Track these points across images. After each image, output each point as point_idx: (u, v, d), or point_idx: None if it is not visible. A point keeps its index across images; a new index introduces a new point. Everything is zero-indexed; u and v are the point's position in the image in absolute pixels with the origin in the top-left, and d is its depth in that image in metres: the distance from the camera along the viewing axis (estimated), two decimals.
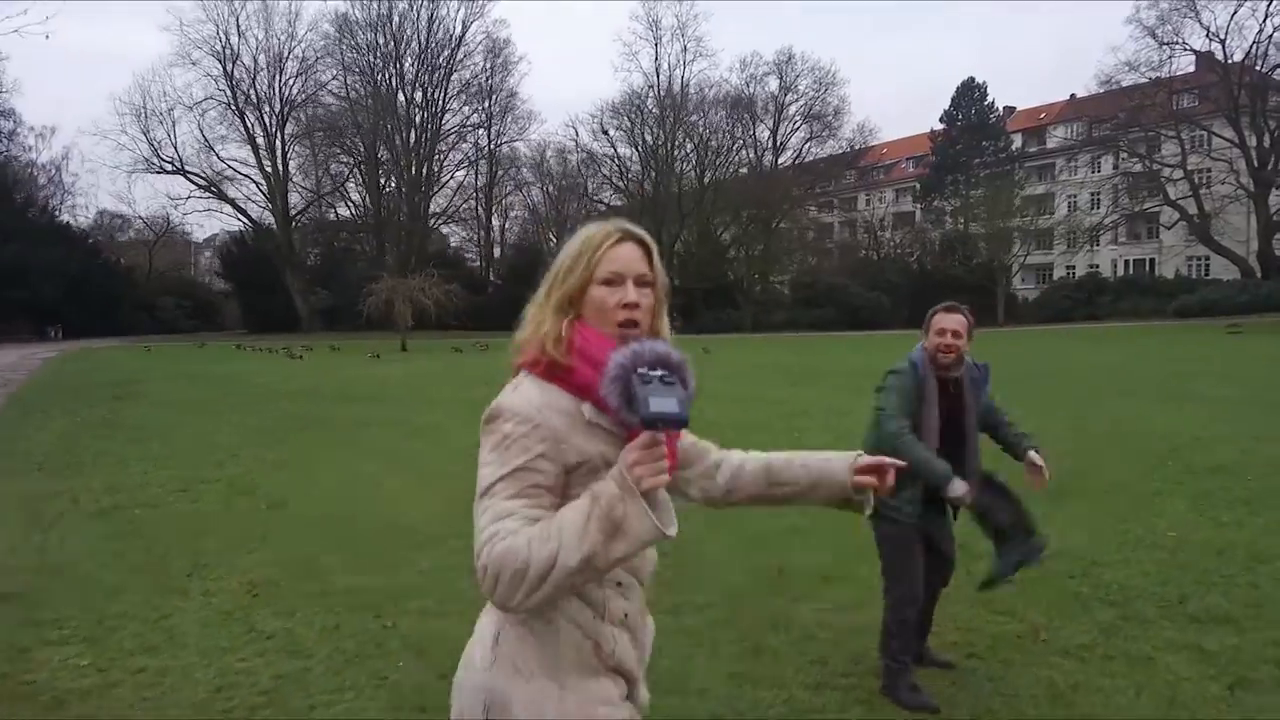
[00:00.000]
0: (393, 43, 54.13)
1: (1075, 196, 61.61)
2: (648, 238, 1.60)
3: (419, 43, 54.44)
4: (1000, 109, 64.22)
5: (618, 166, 56.33)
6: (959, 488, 3.32)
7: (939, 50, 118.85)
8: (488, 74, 57.44)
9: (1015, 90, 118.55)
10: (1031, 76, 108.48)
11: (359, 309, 37.03)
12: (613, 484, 1.39)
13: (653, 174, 56.59)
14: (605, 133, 55.33)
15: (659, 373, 1.41)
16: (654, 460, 1.39)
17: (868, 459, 1.74)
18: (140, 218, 58.52)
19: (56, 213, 54.44)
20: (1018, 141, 65.93)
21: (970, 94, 63.61)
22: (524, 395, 1.51)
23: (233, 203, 55.31)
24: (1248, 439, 9.17)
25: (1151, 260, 58.95)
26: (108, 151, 55.95)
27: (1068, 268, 62.31)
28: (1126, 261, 60.60)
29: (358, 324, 40.85)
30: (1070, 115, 60.96)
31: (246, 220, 56.25)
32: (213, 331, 57.33)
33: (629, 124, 55.78)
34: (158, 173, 53.76)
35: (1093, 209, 58.34)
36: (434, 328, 37.80)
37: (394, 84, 55.05)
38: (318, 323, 52.01)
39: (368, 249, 57.93)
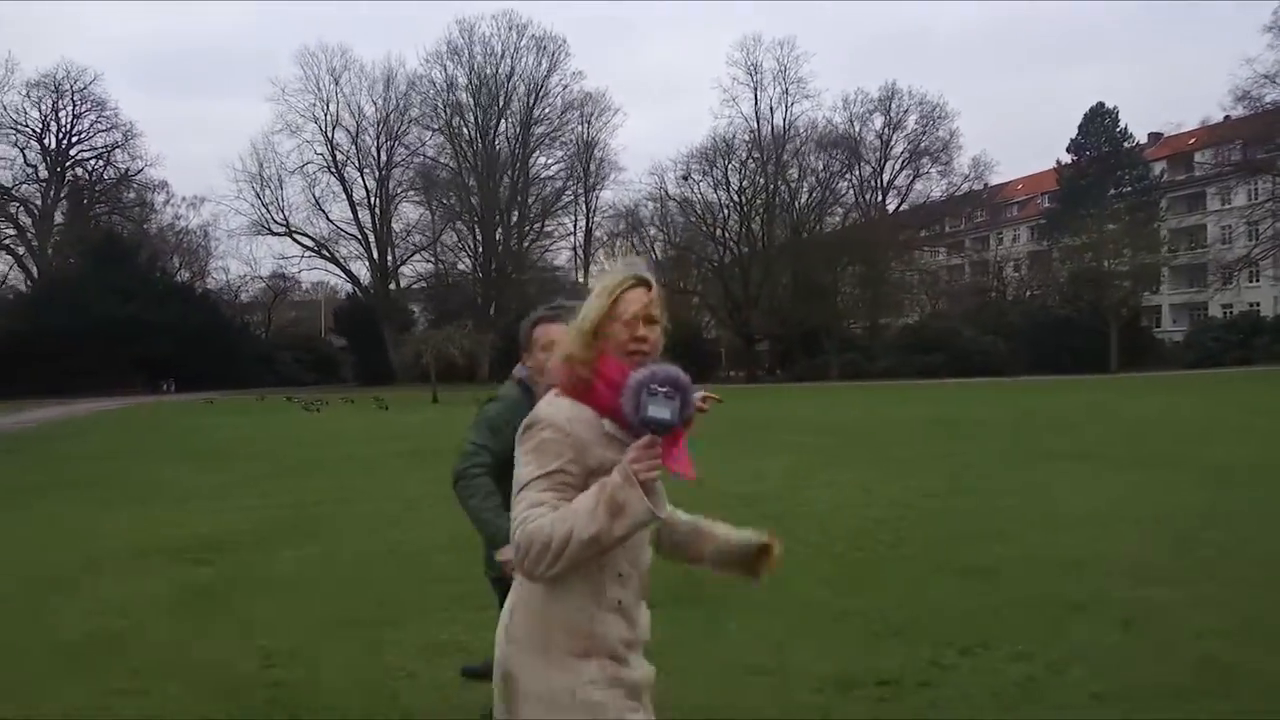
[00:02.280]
0: (485, 97, 55.18)
1: (1231, 227, 55.14)
2: (654, 281, 1.88)
3: (516, 98, 55.42)
4: (1134, 134, 58.58)
5: (710, 214, 54.70)
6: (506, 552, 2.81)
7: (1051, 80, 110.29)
8: (584, 128, 57.76)
9: (1137, 114, 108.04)
10: (1157, 99, 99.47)
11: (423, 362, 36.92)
12: (617, 475, 1.69)
13: (741, 220, 54.67)
14: (685, 178, 54.00)
15: (665, 389, 1.70)
16: (650, 458, 1.69)
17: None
18: (260, 277, 61.54)
19: (176, 274, 57.94)
20: (1158, 169, 60.00)
21: (1100, 120, 58.55)
22: (559, 408, 1.81)
23: (336, 261, 57.48)
24: None
25: None
26: (225, 216, 59.03)
27: (1223, 306, 55.80)
28: None
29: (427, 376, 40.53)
30: (1217, 139, 54.88)
31: (348, 278, 58.44)
32: (331, 385, 59.01)
33: (719, 169, 54.30)
34: (268, 234, 56.49)
35: (1252, 240, 52.02)
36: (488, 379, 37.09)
37: (487, 138, 55.91)
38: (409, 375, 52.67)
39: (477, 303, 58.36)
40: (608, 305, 1.83)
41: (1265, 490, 8.41)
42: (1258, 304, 53.99)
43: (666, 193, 54.87)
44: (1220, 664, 3.85)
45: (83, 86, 54.20)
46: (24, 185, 54.96)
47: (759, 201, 55.26)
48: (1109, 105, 58.79)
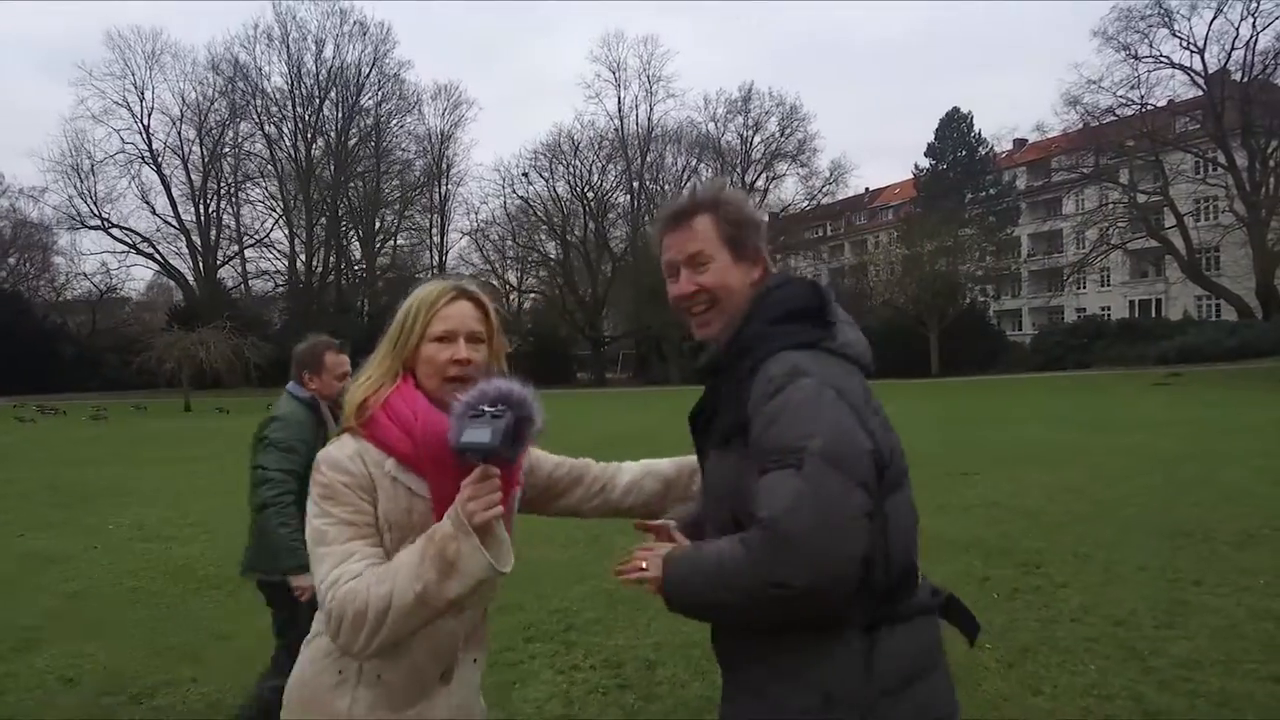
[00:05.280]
0: (308, 86, 52.33)
1: (1077, 233, 55.79)
2: (483, 295, 1.71)
3: (335, 87, 52.60)
4: (989, 140, 58.81)
5: (559, 212, 52.79)
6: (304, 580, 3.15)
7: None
8: (439, 121, 55.31)
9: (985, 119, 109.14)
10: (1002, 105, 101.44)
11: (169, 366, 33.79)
12: (447, 522, 1.47)
13: (593, 219, 52.98)
14: (525, 175, 52.07)
15: (492, 409, 1.47)
16: (487, 494, 1.46)
17: None
18: (84, 274, 57.30)
19: None
20: (1016, 175, 60.46)
21: (955, 125, 58.72)
22: (342, 446, 1.61)
23: (157, 259, 53.81)
24: None
25: (1159, 301, 52.62)
26: (34, 207, 54.85)
27: (1078, 310, 56.50)
28: (1132, 302, 54.36)
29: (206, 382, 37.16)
30: (1071, 146, 55.43)
31: (168, 275, 54.72)
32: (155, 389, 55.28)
33: (564, 165, 52.49)
34: (81, 228, 52.58)
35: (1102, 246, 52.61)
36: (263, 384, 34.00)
37: (309, 129, 53.02)
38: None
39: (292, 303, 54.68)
40: (418, 323, 1.65)
41: None
42: (1108, 308, 54.78)
43: (514, 190, 52.86)
44: None
45: None
46: None
47: (615, 200, 53.77)
48: (963, 110, 58.86)
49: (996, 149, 59.23)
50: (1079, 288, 54.05)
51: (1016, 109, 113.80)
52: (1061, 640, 4.75)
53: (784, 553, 1.38)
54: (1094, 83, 40.03)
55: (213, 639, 5.23)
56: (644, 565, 1.57)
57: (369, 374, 1.65)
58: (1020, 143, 61.16)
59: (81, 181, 51.75)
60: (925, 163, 60.51)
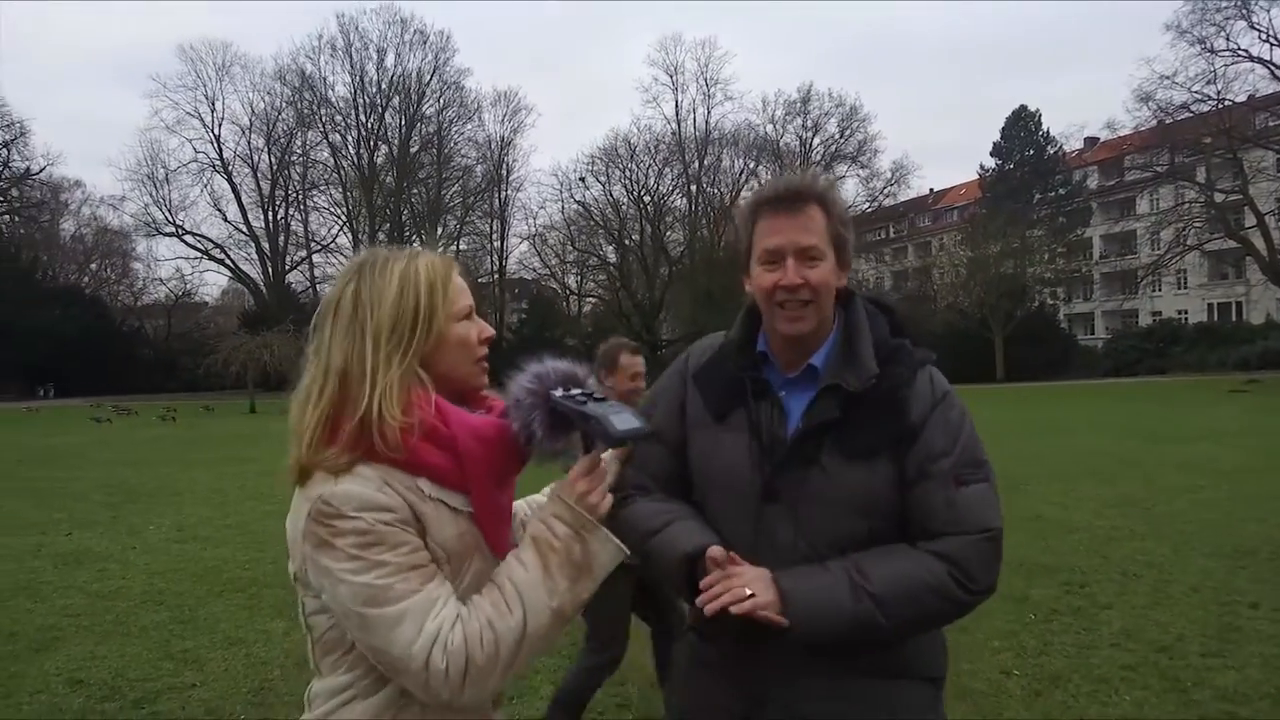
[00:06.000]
0: (370, 95, 53.32)
1: (1154, 235, 53.71)
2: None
3: (399, 95, 53.48)
4: (1057, 139, 57.05)
5: (615, 213, 52.82)
6: None
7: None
8: (498, 128, 55.94)
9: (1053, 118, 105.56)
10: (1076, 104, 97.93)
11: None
12: (559, 523, 1.35)
13: (650, 224, 52.87)
14: (582, 180, 52.15)
15: (576, 391, 1.37)
16: (601, 483, 1.38)
17: None
18: (159, 279, 59.34)
19: (49, 273, 55.56)
20: (1087, 174, 58.55)
21: (1023, 124, 57.14)
22: (360, 482, 1.31)
23: (228, 265, 55.42)
24: None
25: (1239, 304, 50.38)
26: (113, 215, 57.01)
27: (1153, 314, 54.52)
28: (1210, 305, 52.17)
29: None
30: (1145, 144, 53.34)
31: (239, 280, 56.25)
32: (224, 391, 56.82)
33: (619, 170, 52.50)
34: (157, 235, 54.43)
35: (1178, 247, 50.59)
36: None
37: (372, 136, 53.95)
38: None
39: None
40: (442, 303, 1.39)
41: None
42: (1185, 312, 52.69)
43: (571, 195, 53.10)
44: None
45: None
46: None
47: (671, 204, 53.62)
48: (1031, 108, 57.26)
49: (1066, 148, 57.44)
50: (1154, 290, 52.18)
51: (1086, 107, 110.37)
52: (1097, 667, 4.44)
53: (999, 562, 1.55)
54: (1167, 78, 38.56)
55: (223, 644, 5.22)
56: (749, 592, 1.46)
57: (380, 388, 1.33)
58: (1091, 141, 59.21)
59: (157, 190, 53.68)
60: (991, 162, 59.07)
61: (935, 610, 1.52)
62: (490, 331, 1.48)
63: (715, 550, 1.52)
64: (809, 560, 1.54)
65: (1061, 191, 56.62)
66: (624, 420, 1.33)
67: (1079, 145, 58.57)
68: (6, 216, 54.98)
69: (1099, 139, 57.80)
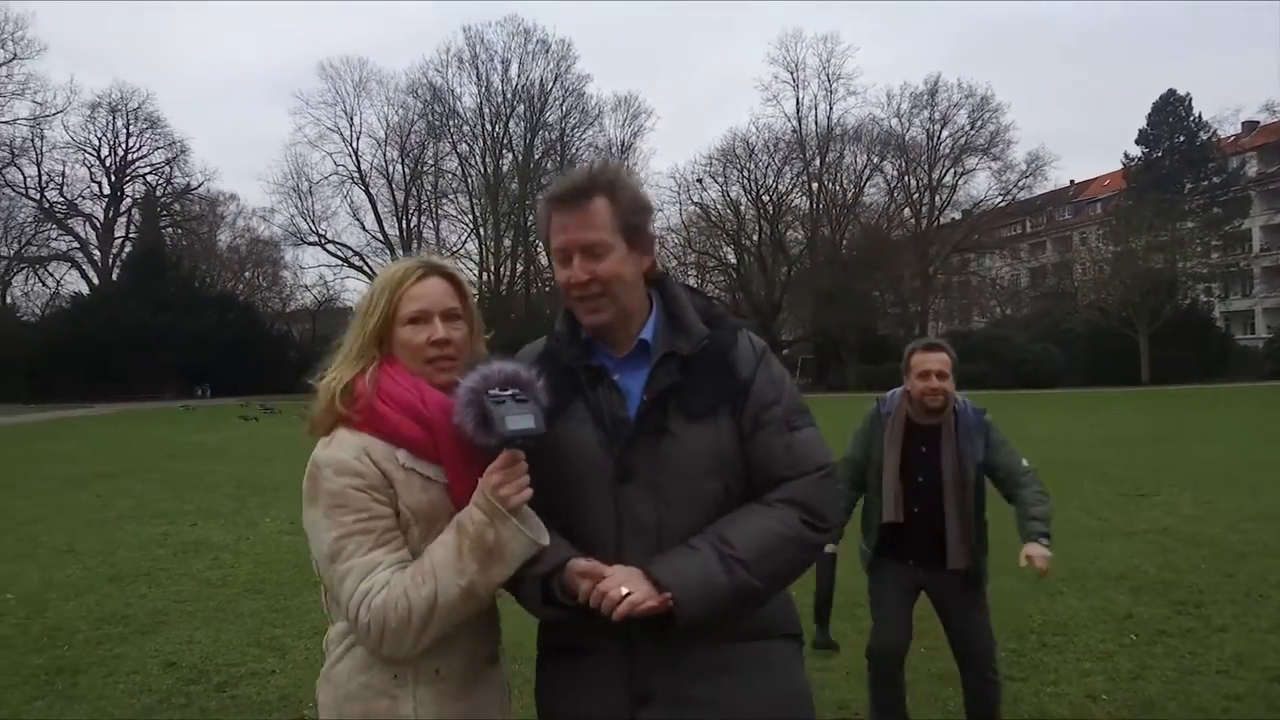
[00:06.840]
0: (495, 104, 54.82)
1: None
2: (456, 271, 1.67)
3: (522, 103, 54.76)
4: (1209, 124, 53.05)
5: (733, 214, 52.36)
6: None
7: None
8: (618, 132, 56.69)
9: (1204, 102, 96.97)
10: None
11: None
12: (477, 511, 1.45)
13: (769, 223, 52.15)
14: (699, 181, 51.83)
15: (510, 392, 1.46)
16: (517, 478, 1.45)
17: None
18: (305, 286, 62.81)
19: (222, 284, 59.67)
20: (1245, 161, 54.24)
21: (1171, 109, 53.43)
22: (340, 445, 1.53)
23: (363, 271, 57.91)
24: None
25: None
26: (264, 226, 60.87)
27: None
28: None
29: None
30: None
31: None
32: None
33: (737, 170, 51.98)
34: (301, 244, 57.64)
35: None
36: None
37: (497, 145, 55.41)
38: None
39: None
40: (387, 304, 1.59)
41: None
42: None
43: (689, 196, 53.04)
44: None
45: (136, 106, 56.65)
46: (87, 200, 57.91)
47: (791, 202, 52.79)
48: (1180, 93, 53.46)
49: (1220, 133, 53.38)
50: None
51: (1237, 89, 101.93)
52: (1197, 696, 4.06)
53: (841, 498, 1.75)
54: None
55: (310, 633, 5.42)
56: (625, 591, 1.46)
57: (339, 361, 1.62)
58: (1250, 125, 54.91)
59: (301, 201, 56.78)
60: (1137, 151, 55.57)
61: (796, 558, 1.58)
62: (439, 335, 1.58)
63: (577, 562, 1.51)
64: (674, 536, 1.55)
65: (1216, 180, 52.63)
66: (516, 421, 1.42)
67: (1235, 130, 54.54)
68: (170, 229, 59.44)
69: (1258, 123, 53.77)
